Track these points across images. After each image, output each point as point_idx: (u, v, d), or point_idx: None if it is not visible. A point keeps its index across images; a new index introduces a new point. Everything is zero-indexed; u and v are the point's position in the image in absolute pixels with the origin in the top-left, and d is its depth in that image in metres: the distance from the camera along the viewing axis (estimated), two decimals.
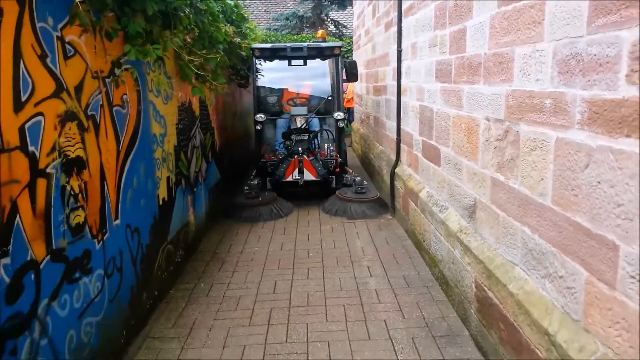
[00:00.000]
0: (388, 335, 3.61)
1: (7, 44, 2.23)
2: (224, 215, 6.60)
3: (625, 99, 1.87)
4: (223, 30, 4.92)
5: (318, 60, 7.65)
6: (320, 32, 9.38)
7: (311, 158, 6.90)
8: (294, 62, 7.38)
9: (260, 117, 7.25)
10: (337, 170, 7.28)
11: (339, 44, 7.78)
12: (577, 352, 2.15)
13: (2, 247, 2.14)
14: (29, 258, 2.33)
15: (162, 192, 4.35)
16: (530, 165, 2.69)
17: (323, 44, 7.73)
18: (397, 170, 6.40)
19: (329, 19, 19.50)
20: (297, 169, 6.82)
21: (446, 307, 3.98)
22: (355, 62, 7.96)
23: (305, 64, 7.46)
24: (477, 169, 3.53)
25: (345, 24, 19.00)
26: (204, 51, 4.13)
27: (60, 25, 2.66)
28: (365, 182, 7.04)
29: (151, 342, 3.59)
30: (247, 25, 7.50)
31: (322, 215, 6.68)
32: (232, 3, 6.05)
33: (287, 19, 18.95)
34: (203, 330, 3.74)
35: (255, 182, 6.92)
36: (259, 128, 7.35)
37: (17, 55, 2.29)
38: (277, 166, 7.04)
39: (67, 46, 2.74)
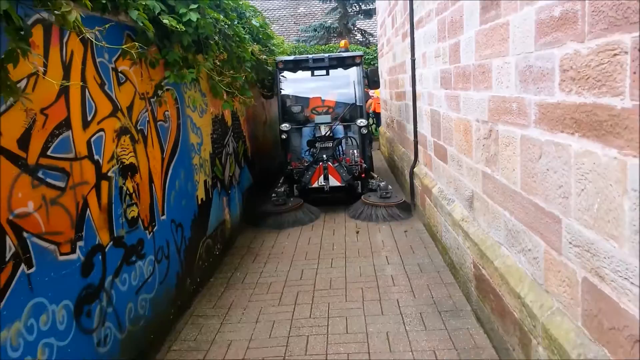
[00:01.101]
0: (399, 311, 4.10)
1: (76, 76, 2.88)
2: (251, 223, 6.81)
3: (559, 103, 2.33)
4: (250, 50, 5.54)
5: (340, 69, 7.98)
6: (342, 42, 9.85)
7: (336, 164, 7.14)
8: (316, 72, 7.76)
9: (285, 126, 7.57)
10: (362, 175, 7.50)
11: (360, 53, 8.08)
12: (538, 309, 2.61)
13: (78, 233, 2.78)
14: (97, 242, 2.97)
15: (201, 194, 4.99)
16: (506, 159, 3.15)
17: (344, 54, 8.09)
18: (415, 169, 6.86)
19: (355, 28, 20.05)
20: (322, 176, 7.08)
21: (453, 288, 4.44)
22: (376, 69, 8.43)
23: (327, 73, 7.85)
24: (472, 164, 4.00)
25: (372, 32, 19.48)
26: (231, 71, 4.74)
27: (114, 59, 3.31)
28: (390, 187, 7.18)
29: (195, 319, 4.21)
30: (272, 41, 8.07)
31: (348, 219, 6.97)
32: (257, 24, 6.67)
33: (315, 30, 19.61)
34: (239, 310, 4.33)
35: (282, 189, 7.15)
36: (284, 137, 7.65)
37: (84, 85, 2.93)
38: (303, 173, 7.31)
39: (120, 75, 3.40)
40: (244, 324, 4.08)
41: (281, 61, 7.66)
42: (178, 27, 3.58)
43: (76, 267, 2.75)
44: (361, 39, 19.74)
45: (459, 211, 4.47)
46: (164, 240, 3.99)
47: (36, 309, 2.39)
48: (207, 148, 5.28)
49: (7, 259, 2.19)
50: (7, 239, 2.21)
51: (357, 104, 7.93)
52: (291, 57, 7.99)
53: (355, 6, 19.87)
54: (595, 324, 2.09)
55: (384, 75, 11.14)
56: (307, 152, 7.79)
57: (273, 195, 7.06)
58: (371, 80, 8.10)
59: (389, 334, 3.75)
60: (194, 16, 3.77)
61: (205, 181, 5.15)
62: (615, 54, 1.83)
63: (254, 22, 6.54)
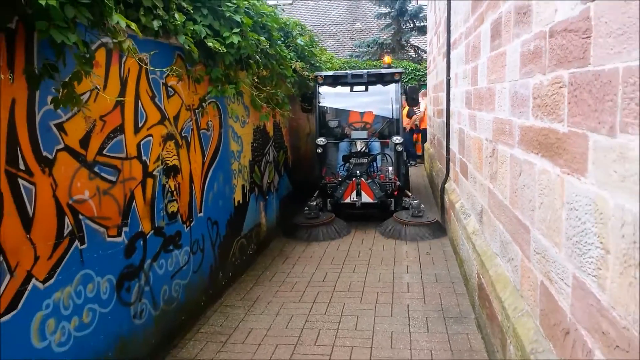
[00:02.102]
0: (407, 315, 4.42)
1: (131, 90, 3.46)
2: (284, 234, 7.06)
3: (531, 126, 2.64)
4: (292, 67, 6.06)
5: (379, 85, 8.12)
6: (386, 57, 10.11)
7: (369, 181, 7.18)
8: (355, 87, 7.93)
9: (321, 140, 7.68)
10: (396, 193, 7.46)
11: (399, 70, 8.21)
12: (512, 311, 2.89)
13: (124, 220, 3.34)
14: (139, 230, 3.53)
15: (238, 196, 5.52)
16: (502, 175, 3.45)
17: (383, 70, 8.25)
18: (446, 185, 7.12)
19: (408, 45, 20.36)
20: (354, 191, 7.16)
21: (463, 298, 4.70)
22: (415, 87, 8.72)
23: (366, 89, 8.07)
24: (482, 180, 4.28)
25: (424, 49, 19.72)
26: (268, 87, 5.26)
27: (165, 75, 3.89)
28: (422, 206, 7.14)
29: (223, 308, 4.71)
30: (318, 58, 8.55)
31: (378, 236, 7.04)
32: (302, 43, 7.20)
33: (369, 45, 20.10)
34: (263, 303, 4.79)
35: (314, 203, 7.27)
36: (320, 151, 7.74)
37: (137, 97, 3.52)
38: (336, 188, 7.38)
39: (169, 89, 3.97)
40: (265, 316, 4.53)
41: (320, 76, 7.80)
42: (220, 49, 4.13)
43: (120, 249, 3.31)
44: (414, 55, 20.02)
45: (472, 225, 4.74)
46: (200, 235, 4.52)
47: (85, 278, 2.94)
48: (246, 155, 5.82)
49: (64, 235, 2.75)
50: (66, 218, 2.77)
51: (394, 121, 8.06)
52: (330, 72, 8.05)
53: (409, 23, 20.22)
54: (546, 321, 2.38)
55: (430, 92, 11.41)
56: (342, 167, 7.88)
57: (306, 208, 7.20)
58: (409, 97, 8.38)
59: (393, 333, 4.08)
60: (235, 39, 4.31)
61: (243, 186, 5.68)
62: (560, 87, 2.15)
63: (299, 41, 7.07)
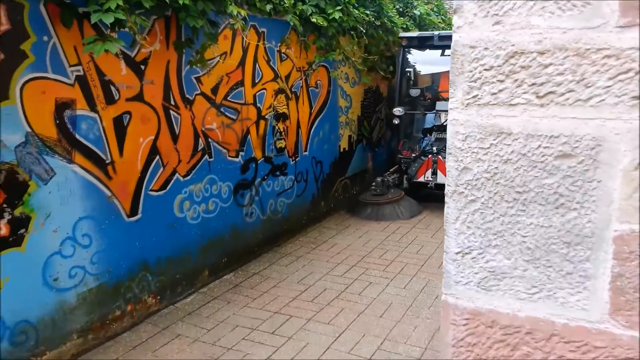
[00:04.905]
0: (420, 289, 5.23)
1: (250, 55, 4.85)
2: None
3: None
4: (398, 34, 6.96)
5: None
6: None
7: None
8: (447, 51, 6.67)
9: (399, 110, 6.81)
10: None
11: None
12: None
13: (241, 147, 4.79)
14: (252, 155, 4.97)
15: (344, 144, 6.73)
16: None
17: None
18: None
19: None
20: (430, 170, 6.58)
21: None
22: None
23: None
24: None
25: None
26: (366, 55, 6.31)
27: (278, 44, 5.21)
28: None
29: (321, 228, 6.05)
30: (442, 26, 9.13)
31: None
32: (419, 13, 7.96)
33: None
34: (352, 229, 6.03)
35: (384, 178, 6.66)
36: (396, 122, 6.99)
37: (255, 61, 4.90)
38: (410, 164, 6.80)
39: (282, 54, 5.29)
40: (350, 236, 5.76)
41: (404, 37, 6.87)
42: (323, 23, 5.31)
43: (237, 167, 4.79)
44: None
45: None
46: (304, 169, 5.87)
47: (210, 181, 4.46)
48: (355, 111, 6.97)
49: (198, 149, 4.28)
50: (200, 139, 4.29)
51: None
52: (415, 34, 7.04)
53: None
54: None
55: None
56: (423, 142, 7.13)
57: (372, 184, 6.65)
58: None
59: None
60: (337, 14, 5.43)
61: (349, 136, 6.87)
62: None
63: (415, 11, 7.87)
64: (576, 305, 1.18)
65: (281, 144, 5.42)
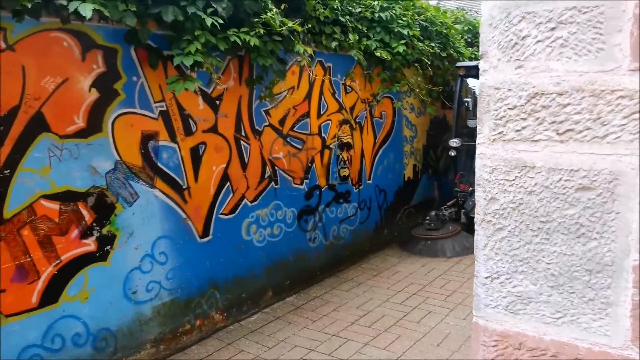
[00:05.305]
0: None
1: (316, 88, 5.12)
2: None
3: None
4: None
5: None
6: None
7: None
8: None
9: (455, 142, 6.64)
10: None
11: None
12: None
13: (306, 175, 5.03)
14: (316, 183, 5.19)
15: (408, 173, 6.81)
16: None
17: None
18: None
19: None
20: None
21: None
22: None
23: None
24: None
25: None
26: (433, 87, 6.39)
27: (343, 77, 5.46)
28: None
29: (384, 256, 6.12)
30: None
31: None
32: None
33: None
34: (416, 257, 6.03)
35: (438, 212, 6.47)
36: (453, 154, 6.85)
37: (320, 93, 5.16)
38: (466, 198, 6.61)
39: (347, 87, 5.53)
40: (412, 265, 5.78)
41: (462, 67, 6.69)
42: (387, 57, 5.50)
43: (302, 194, 5.02)
44: None
45: None
46: (368, 197, 6.00)
47: (276, 206, 4.71)
48: (420, 140, 7.04)
49: (265, 177, 4.55)
50: (267, 167, 4.57)
51: None
52: (472, 63, 6.74)
53: None
54: None
55: None
56: None
57: (427, 218, 6.45)
58: None
59: None
60: (401, 48, 5.61)
61: (414, 165, 6.94)
62: None
63: None
64: (599, 330, 1.24)
65: (345, 172, 5.61)
